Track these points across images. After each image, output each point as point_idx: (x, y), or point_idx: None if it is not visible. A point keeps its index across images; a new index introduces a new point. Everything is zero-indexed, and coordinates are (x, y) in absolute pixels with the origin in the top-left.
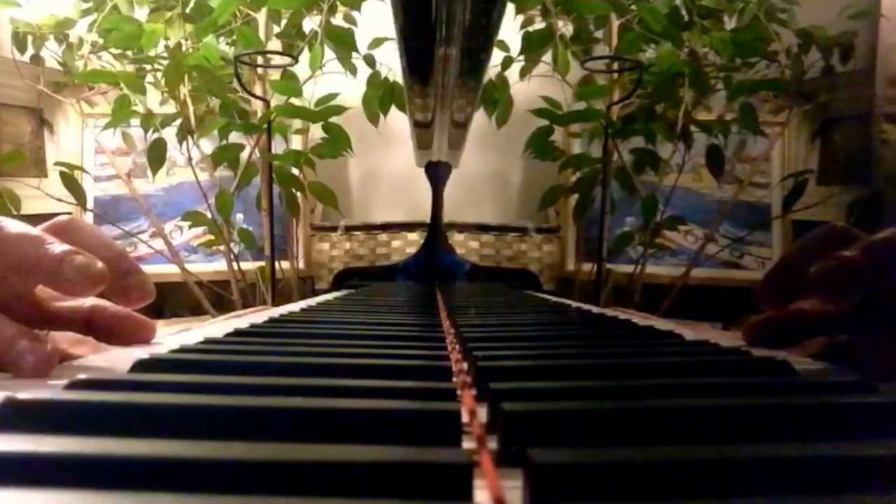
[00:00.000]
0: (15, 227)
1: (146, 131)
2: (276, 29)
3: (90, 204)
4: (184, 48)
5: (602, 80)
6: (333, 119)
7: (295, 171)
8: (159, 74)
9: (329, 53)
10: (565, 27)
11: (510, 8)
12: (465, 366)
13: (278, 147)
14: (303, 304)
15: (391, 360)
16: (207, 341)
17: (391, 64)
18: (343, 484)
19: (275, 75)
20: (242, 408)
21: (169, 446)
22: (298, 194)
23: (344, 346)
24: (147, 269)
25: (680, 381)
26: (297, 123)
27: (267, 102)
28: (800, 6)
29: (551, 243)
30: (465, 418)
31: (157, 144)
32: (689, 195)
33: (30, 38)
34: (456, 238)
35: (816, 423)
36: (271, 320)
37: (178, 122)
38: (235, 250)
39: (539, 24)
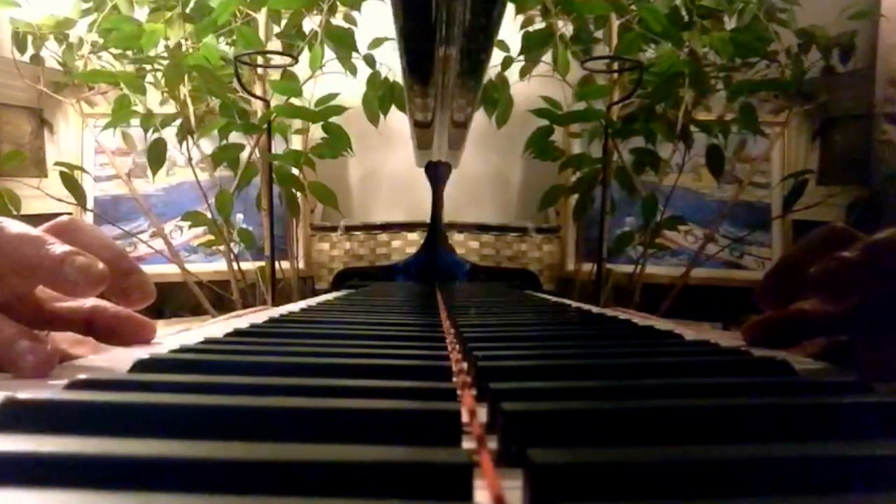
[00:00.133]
0: (15, 227)
1: (146, 131)
2: (276, 29)
3: (90, 204)
4: (184, 48)
5: (602, 80)
6: (333, 119)
7: (295, 171)
8: (159, 74)
9: (329, 53)
10: (565, 27)
11: (510, 8)
12: (465, 366)
13: (278, 147)
14: (303, 304)
15: (391, 360)
16: (207, 341)
17: (391, 64)
18: (343, 484)
19: (275, 75)
20: (242, 408)
21: (169, 446)
22: (298, 194)
23: (344, 346)
24: (147, 269)
25: (680, 381)
26: (297, 123)
27: (267, 102)
28: (800, 6)
29: (551, 243)
30: (465, 418)
31: (157, 144)
32: (689, 195)
33: (30, 38)
34: (456, 238)
35: (816, 424)
36: (271, 320)
37: (178, 122)
38: (235, 250)
39: (539, 24)
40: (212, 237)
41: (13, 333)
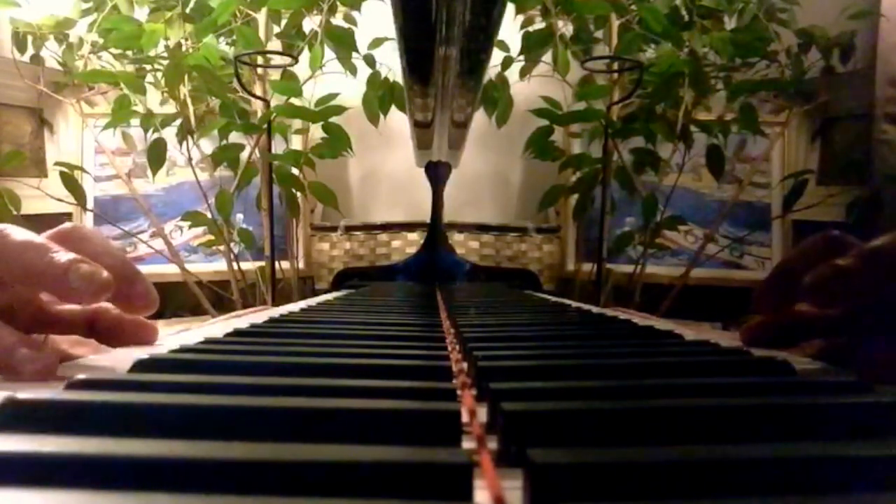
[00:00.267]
0: (20, 234)
1: (146, 131)
2: (276, 29)
3: (90, 204)
4: (184, 48)
5: (602, 80)
6: (333, 119)
7: (295, 171)
8: (159, 74)
9: (329, 53)
10: (565, 27)
11: (510, 8)
12: (465, 366)
13: (278, 147)
14: (303, 304)
15: (391, 360)
16: (207, 341)
17: (391, 64)
18: (343, 484)
19: (275, 75)
20: (242, 408)
21: (169, 446)
22: (298, 194)
23: (344, 346)
24: (147, 269)
25: (680, 381)
26: (297, 123)
27: (267, 102)
28: (800, 6)
29: (551, 243)
30: (465, 418)
31: (157, 144)
32: (689, 195)
33: (30, 38)
34: (456, 238)
35: (816, 424)
36: (271, 320)
37: (178, 122)
38: (235, 250)
39: (539, 24)
40: (212, 237)
41: (13, 342)
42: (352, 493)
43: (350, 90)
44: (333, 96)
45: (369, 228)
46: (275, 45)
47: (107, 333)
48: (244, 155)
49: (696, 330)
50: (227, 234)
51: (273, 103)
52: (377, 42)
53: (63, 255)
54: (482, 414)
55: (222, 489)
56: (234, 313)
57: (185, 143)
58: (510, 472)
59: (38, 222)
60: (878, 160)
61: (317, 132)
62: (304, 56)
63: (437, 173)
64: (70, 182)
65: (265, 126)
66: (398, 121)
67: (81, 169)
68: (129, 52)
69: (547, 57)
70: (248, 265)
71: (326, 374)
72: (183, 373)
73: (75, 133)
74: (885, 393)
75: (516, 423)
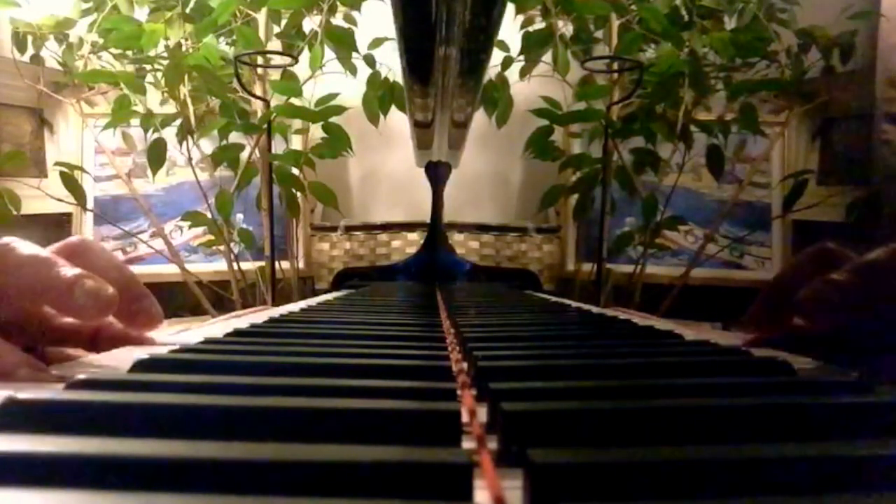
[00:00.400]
0: (25, 249)
1: (146, 131)
2: (276, 29)
3: (90, 204)
4: (184, 48)
5: (602, 80)
6: (333, 119)
7: (295, 171)
8: (159, 74)
9: (329, 53)
10: (565, 27)
11: (510, 8)
12: (465, 366)
13: (278, 147)
14: (303, 304)
15: (391, 360)
16: (207, 341)
17: (391, 64)
18: (343, 484)
19: (275, 75)
20: (242, 408)
21: (169, 446)
22: (298, 194)
23: (344, 346)
24: (147, 269)
25: (680, 381)
26: (297, 123)
27: (267, 102)
28: (800, 6)
29: (551, 243)
30: (465, 418)
31: (157, 144)
32: (689, 195)
33: (30, 38)
34: (456, 238)
35: (816, 423)
36: (271, 320)
37: (178, 122)
38: (235, 250)
39: (539, 24)
40: (212, 237)
41: (15, 361)
42: (352, 493)
43: (350, 90)
44: (333, 96)
45: (369, 228)
46: (275, 45)
47: (109, 348)
48: (244, 155)
49: (696, 330)
50: (227, 234)
51: (273, 103)
52: (377, 42)
53: (69, 270)
54: (482, 414)
55: (222, 489)
56: (233, 313)
57: (185, 143)
58: (510, 472)
59: (38, 222)
60: (878, 160)
61: (317, 132)
62: (304, 56)
63: (437, 173)
64: (70, 182)
65: (265, 126)
66: (398, 121)
67: (81, 169)
68: (129, 52)
69: (547, 57)
70: (248, 265)
71: (326, 375)
72: (183, 373)
73: (75, 133)
74: (885, 393)
75: (516, 423)
